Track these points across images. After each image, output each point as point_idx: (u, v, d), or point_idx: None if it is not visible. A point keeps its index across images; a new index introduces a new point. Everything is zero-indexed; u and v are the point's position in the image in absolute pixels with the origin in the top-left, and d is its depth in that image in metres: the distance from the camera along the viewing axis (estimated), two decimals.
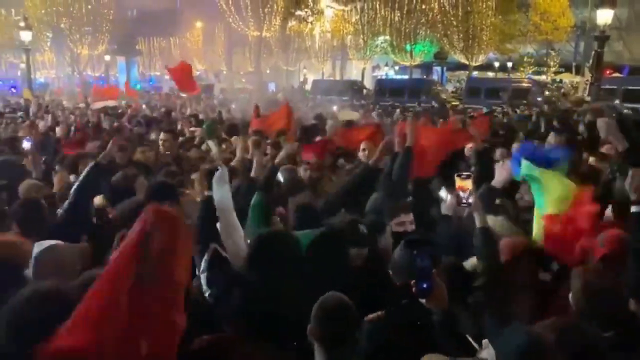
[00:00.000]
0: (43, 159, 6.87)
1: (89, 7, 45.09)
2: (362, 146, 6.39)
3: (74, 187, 3.85)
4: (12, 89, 44.84)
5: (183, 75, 14.37)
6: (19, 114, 15.93)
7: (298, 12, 35.21)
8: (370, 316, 2.60)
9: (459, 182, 3.23)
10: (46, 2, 45.50)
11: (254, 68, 44.68)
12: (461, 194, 3.21)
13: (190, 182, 4.59)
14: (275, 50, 44.76)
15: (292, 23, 37.86)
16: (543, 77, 39.05)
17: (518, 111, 19.82)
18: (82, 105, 21.53)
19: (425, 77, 43.49)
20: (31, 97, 23.25)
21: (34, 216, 3.57)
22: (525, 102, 25.82)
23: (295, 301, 2.42)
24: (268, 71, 49.10)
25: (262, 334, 2.39)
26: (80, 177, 3.92)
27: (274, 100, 28.09)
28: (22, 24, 26.49)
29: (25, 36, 26.19)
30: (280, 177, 4.81)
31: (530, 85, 30.50)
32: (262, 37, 35.95)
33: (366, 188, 4.23)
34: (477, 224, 3.21)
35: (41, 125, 11.90)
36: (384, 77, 45.10)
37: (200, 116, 15.48)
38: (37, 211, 3.64)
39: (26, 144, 7.34)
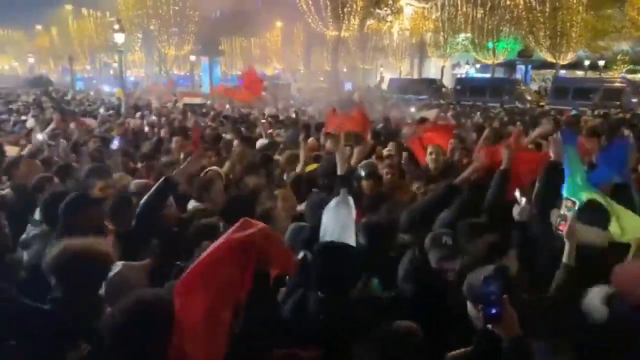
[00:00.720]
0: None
1: (176, 8, 47.34)
2: (429, 149, 6.00)
3: (144, 199, 3.83)
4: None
5: (252, 79, 14.85)
6: (110, 112, 16.96)
7: (377, 11, 35.00)
8: (455, 353, 2.53)
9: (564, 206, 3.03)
10: (137, 5, 48.29)
11: (331, 67, 45.02)
12: (562, 220, 3.03)
13: (282, 195, 4.51)
14: (353, 49, 44.82)
15: (370, 22, 37.76)
16: (639, 77, 36.43)
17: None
18: (169, 104, 22.71)
19: (508, 76, 41.89)
20: (122, 96, 24.79)
21: (123, 209, 3.90)
22: (618, 103, 24.20)
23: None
24: (345, 70, 49.25)
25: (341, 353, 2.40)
26: (152, 191, 3.84)
27: (349, 100, 28.27)
28: (116, 26, 28.15)
29: (119, 38, 27.80)
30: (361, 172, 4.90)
31: (623, 85, 28.56)
32: (341, 37, 36.11)
33: (444, 207, 4.06)
34: (565, 257, 2.95)
35: (132, 123, 12.72)
36: (464, 75, 43.88)
37: (280, 117, 15.84)
38: (126, 205, 3.95)
39: (115, 143, 7.87)
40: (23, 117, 14.08)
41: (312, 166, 6.09)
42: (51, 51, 74.92)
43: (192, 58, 47.25)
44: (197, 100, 20.07)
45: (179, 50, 49.99)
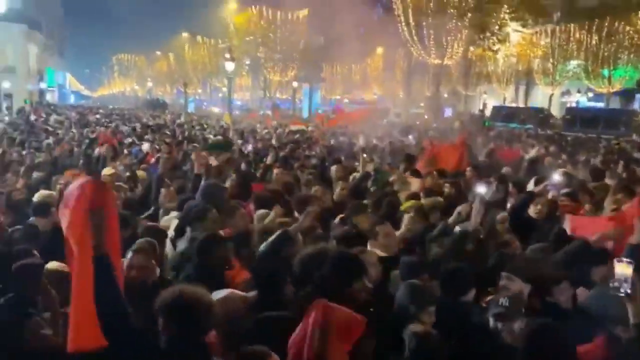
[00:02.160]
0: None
1: (286, 34, 49.42)
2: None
3: (264, 247, 4.08)
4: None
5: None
6: (218, 137, 17.85)
7: (482, 39, 34.19)
8: None
9: (619, 268, 2.93)
10: (247, 33, 51.10)
11: (431, 93, 44.50)
12: (620, 282, 2.91)
13: (385, 232, 4.55)
14: (455, 75, 44.03)
15: (474, 48, 36.97)
16: None
17: None
18: (269, 129, 23.62)
19: (625, 106, 38.87)
20: (230, 121, 26.17)
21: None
22: None
23: None
24: (446, 95, 48.44)
25: None
26: (271, 240, 4.07)
27: (449, 128, 27.70)
28: (227, 55, 30.04)
29: (229, 66, 29.70)
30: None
31: None
32: (443, 64, 35.68)
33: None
34: (631, 317, 2.93)
35: (244, 149, 13.34)
36: (574, 104, 41.39)
37: (375, 141, 15.77)
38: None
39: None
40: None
41: (409, 203, 5.99)
42: (168, 75, 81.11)
43: (295, 84, 49.00)
44: (299, 127, 20.76)
45: (283, 76, 52.00)
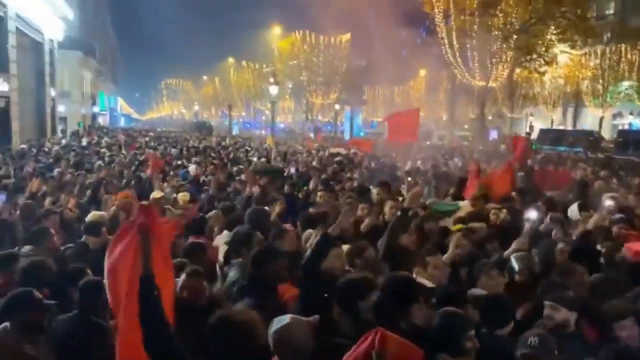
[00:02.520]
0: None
1: (328, 57, 50.05)
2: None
3: (307, 255, 4.07)
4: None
5: (406, 121, 14.35)
6: (262, 159, 18.11)
7: (529, 61, 33.52)
8: None
9: None
10: (291, 57, 52.05)
11: (475, 115, 43.87)
12: None
13: (434, 263, 4.51)
14: (500, 97, 43.33)
15: (520, 70, 36.31)
16: None
17: None
18: (313, 150, 23.79)
19: None
20: (272, 144, 26.48)
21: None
22: None
23: None
24: (490, 117, 47.66)
25: None
26: (314, 246, 4.08)
27: (495, 151, 27.13)
28: (271, 79, 30.55)
29: (273, 90, 30.13)
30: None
31: None
32: (488, 86, 35.15)
33: None
34: None
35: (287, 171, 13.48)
36: (627, 127, 39.91)
37: (419, 164, 15.61)
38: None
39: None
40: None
41: (458, 226, 5.97)
42: (213, 99, 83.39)
43: (337, 107, 49.35)
44: (339, 150, 20.75)
45: (325, 99, 52.53)
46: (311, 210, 6.74)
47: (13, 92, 23.05)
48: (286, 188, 9.03)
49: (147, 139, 29.19)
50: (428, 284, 4.10)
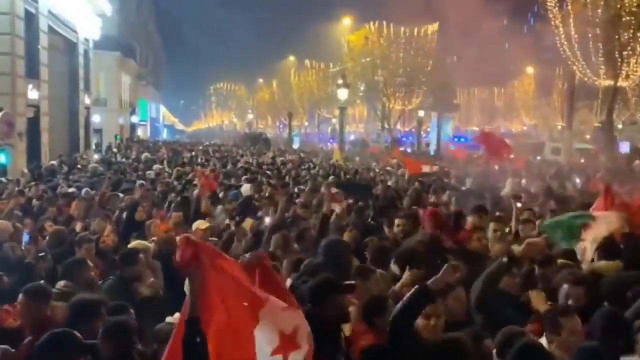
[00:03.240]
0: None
1: (411, 53, 49.80)
2: None
3: (399, 307, 4.18)
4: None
5: (493, 140, 14.28)
6: (331, 179, 18.08)
7: None
8: None
9: None
10: (363, 54, 52.21)
11: (601, 123, 42.09)
12: None
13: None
14: (634, 100, 41.46)
15: None
16: None
17: None
18: (390, 168, 23.55)
19: None
20: (340, 158, 26.58)
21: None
22: None
23: None
24: (620, 125, 45.75)
25: None
26: (406, 299, 4.20)
27: (628, 170, 25.81)
28: (339, 81, 30.83)
29: (342, 94, 30.41)
30: None
31: None
32: (617, 87, 33.58)
33: None
34: None
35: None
36: None
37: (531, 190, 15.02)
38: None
39: None
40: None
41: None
42: (270, 105, 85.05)
43: (421, 113, 48.90)
44: (425, 169, 20.26)
45: (405, 104, 52.21)
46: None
47: (43, 100, 24.43)
48: (353, 215, 8.96)
49: (193, 153, 30.06)
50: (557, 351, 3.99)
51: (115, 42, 44.26)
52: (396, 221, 7.96)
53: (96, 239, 7.45)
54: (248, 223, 8.40)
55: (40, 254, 6.60)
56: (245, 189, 13.34)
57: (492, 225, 7.18)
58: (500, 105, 57.78)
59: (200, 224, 8.27)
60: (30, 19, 23.11)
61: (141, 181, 13.66)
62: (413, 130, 58.69)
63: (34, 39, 23.43)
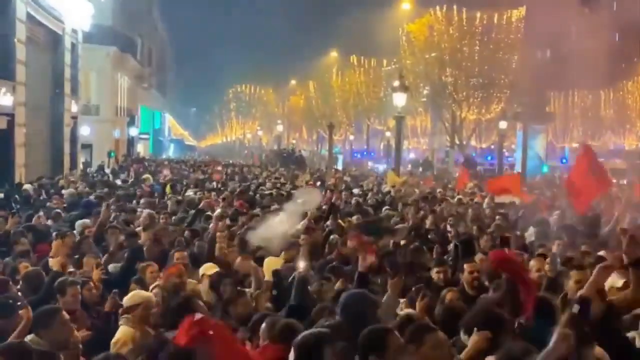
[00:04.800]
0: None
1: (490, 46, 49.35)
2: None
3: None
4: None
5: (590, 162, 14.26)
6: (385, 210, 17.82)
7: None
8: None
9: None
10: (427, 49, 51.97)
11: None
12: None
13: None
14: None
15: None
16: None
17: None
18: (463, 195, 23.08)
19: None
20: (397, 181, 26.13)
21: None
22: None
23: None
24: None
25: None
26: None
27: None
28: (396, 83, 30.46)
29: (399, 99, 30.03)
30: None
31: None
32: None
33: None
34: None
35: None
36: None
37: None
38: None
39: None
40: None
41: None
42: (306, 114, 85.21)
43: (503, 125, 48.19)
44: (507, 199, 19.87)
45: (482, 113, 51.67)
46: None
47: (19, 107, 24.72)
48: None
49: (206, 175, 30.08)
50: None
51: (111, 35, 45.08)
52: (466, 267, 8.13)
53: (82, 282, 7.57)
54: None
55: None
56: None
57: (573, 275, 7.13)
58: (609, 114, 56.60)
59: (208, 269, 8.38)
60: (5, 4, 23.53)
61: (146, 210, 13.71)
62: (492, 147, 57.97)
63: (8, 29, 23.81)
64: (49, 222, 12.84)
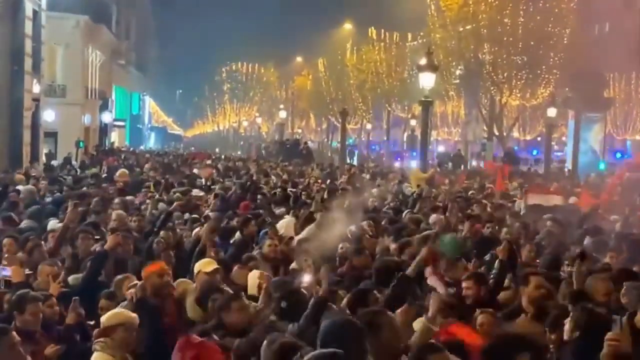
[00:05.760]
0: None
1: (537, 18, 49.24)
2: None
3: None
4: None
5: None
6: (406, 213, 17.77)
7: None
8: None
9: None
10: (461, 20, 51.83)
11: None
12: None
13: None
14: None
15: None
16: None
17: None
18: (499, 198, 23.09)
19: None
20: (421, 181, 26.04)
21: None
22: None
23: None
24: None
25: None
26: None
27: None
28: (423, 60, 30.39)
29: (427, 80, 29.85)
30: None
31: None
32: None
33: None
34: None
35: None
36: None
37: None
38: None
39: None
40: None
41: None
42: (314, 98, 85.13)
43: (551, 112, 48.14)
44: (553, 201, 19.91)
45: (527, 98, 51.58)
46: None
47: None
48: None
49: (195, 171, 30.03)
50: None
51: (81, 1, 45.11)
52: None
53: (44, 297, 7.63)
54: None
55: None
56: (281, 225, 13.38)
57: None
58: None
59: (204, 265, 8.63)
60: None
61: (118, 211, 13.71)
62: (539, 139, 57.90)
63: None
64: None
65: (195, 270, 8.63)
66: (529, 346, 5.94)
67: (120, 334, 6.63)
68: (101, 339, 6.63)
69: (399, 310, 6.87)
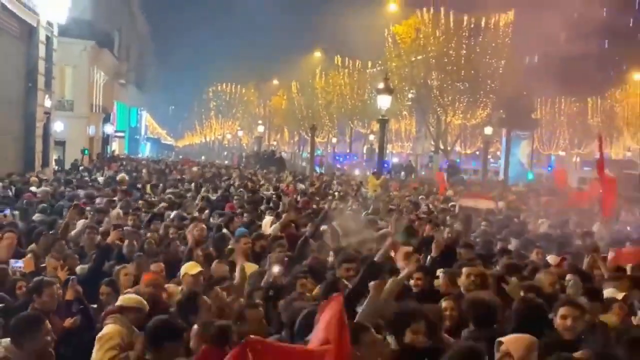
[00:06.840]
0: None
1: (476, 49, 49.45)
2: None
3: None
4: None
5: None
6: (368, 214, 17.76)
7: None
8: None
9: None
10: (413, 50, 51.97)
11: None
12: None
13: None
14: None
15: None
16: None
17: None
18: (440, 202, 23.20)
19: None
20: (377, 188, 26.03)
21: None
22: None
23: None
24: None
25: None
26: None
27: None
28: (380, 85, 30.55)
29: (384, 102, 30.09)
30: None
31: None
32: None
33: None
34: None
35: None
36: None
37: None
38: None
39: None
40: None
41: None
42: (288, 115, 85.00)
43: (488, 130, 48.32)
44: (483, 205, 19.85)
45: (468, 118, 51.83)
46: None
47: None
48: None
49: (185, 175, 29.92)
50: None
51: (88, 28, 44.70)
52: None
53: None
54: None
55: None
56: (266, 224, 13.43)
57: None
58: (596, 122, 56.94)
59: (189, 268, 8.31)
60: None
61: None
62: (477, 153, 58.20)
63: None
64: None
65: (182, 272, 8.37)
66: (424, 316, 6.18)
67: (133, 315, 6.67)
68: (117, 314, 6.67)
69: (371, 284, 6.74)
